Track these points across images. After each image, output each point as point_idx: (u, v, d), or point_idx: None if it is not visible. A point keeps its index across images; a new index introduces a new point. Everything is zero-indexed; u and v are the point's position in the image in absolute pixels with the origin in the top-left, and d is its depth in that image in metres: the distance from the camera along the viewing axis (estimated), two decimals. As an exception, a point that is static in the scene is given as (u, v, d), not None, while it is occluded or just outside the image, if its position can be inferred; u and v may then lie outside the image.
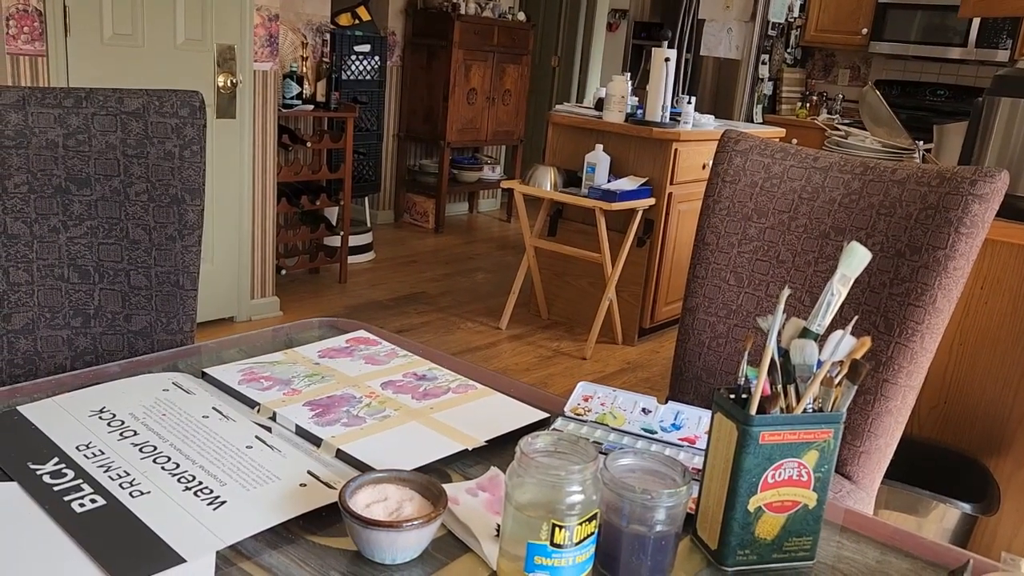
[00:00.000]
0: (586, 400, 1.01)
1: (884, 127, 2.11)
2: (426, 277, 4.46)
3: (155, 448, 0.84)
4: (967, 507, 1.57)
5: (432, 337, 3.57)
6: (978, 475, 1.73)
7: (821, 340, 0.73)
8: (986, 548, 1.71)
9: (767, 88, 5.66)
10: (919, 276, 1.38)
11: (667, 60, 3.45)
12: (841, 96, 5.83)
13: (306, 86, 3.83)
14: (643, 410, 1.00)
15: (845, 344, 0.71)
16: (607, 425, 0.96)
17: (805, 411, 0.72)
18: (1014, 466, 1.72)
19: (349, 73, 4.54)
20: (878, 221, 1.46)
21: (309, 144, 3.84)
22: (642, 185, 3.52)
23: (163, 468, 0.80)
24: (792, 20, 5.67)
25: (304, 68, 3.88)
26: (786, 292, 0.72)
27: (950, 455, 1.79)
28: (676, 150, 3.52)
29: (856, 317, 0.73)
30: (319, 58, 4.09)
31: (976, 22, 5.10)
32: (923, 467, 1.78)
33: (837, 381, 0.72)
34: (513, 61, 5.83)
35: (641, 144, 3.58)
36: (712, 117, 4.01)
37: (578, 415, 0.98)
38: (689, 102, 3.70)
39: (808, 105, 5.81)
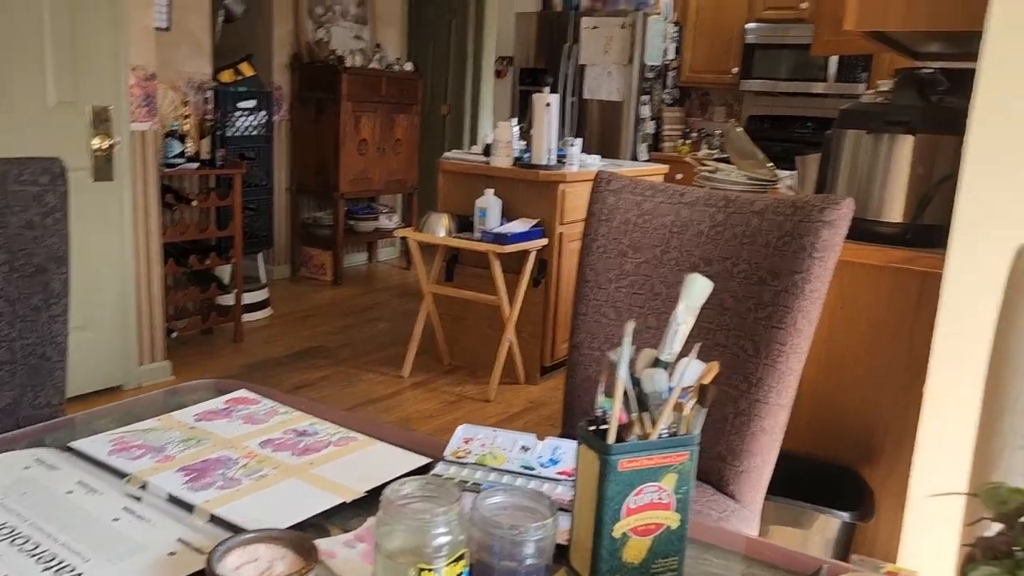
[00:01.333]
0: (467, 442, 1.03)
1: (749, 160, 2.24)
2: (325, 330, 4.40)
3: (13, 529, 0.80)
4: (845, 516, 1.66)
5: (332, 391, 3.52)
6: (855, 484, 1.82)
7: (672, 368, 0.77)
8: (868, 552, 1.80)
9: (650, 127, 5.89)
10: (781, 300, 1.47)
11: (548, 105, 3.56)
12: (719, 132, 6.12)
13: (189, 144, 3.76)
14: (522, 448, 1.02)
15: (692, 370, 0.76)
16: (487, 466, 0.98)
17: (661, 436, 0.76)
18: (885, 473, 1.82)
19: (235, 129, 4.49)
20: (742, 250, 1.55)
21: (195, 203, 3.76)
22: (534, 226, 3.60)
23: (20, 549, 0.77)
24: (668, 62, 5.95)
25: (186, 126, 3.81)
26: (631, 325, 0.76)
27: (829, 467, 1.88)
28: (563, 191, 3.62)
29: (699, 344, 0.78)
30: (202, 115, 4.03)
31: (835, 59, 5.47)
32: (806, 480, 1.86)
33: (690, 406, 0.77)
34: (403, 111, 5.89)
35: (530, 187, 3.67)
36: (599, 157, 4.15)
37: (459, 458, 1.00)
38: (573, 144, 3.82)
39: (689, 142, 6.08)
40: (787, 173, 2.63)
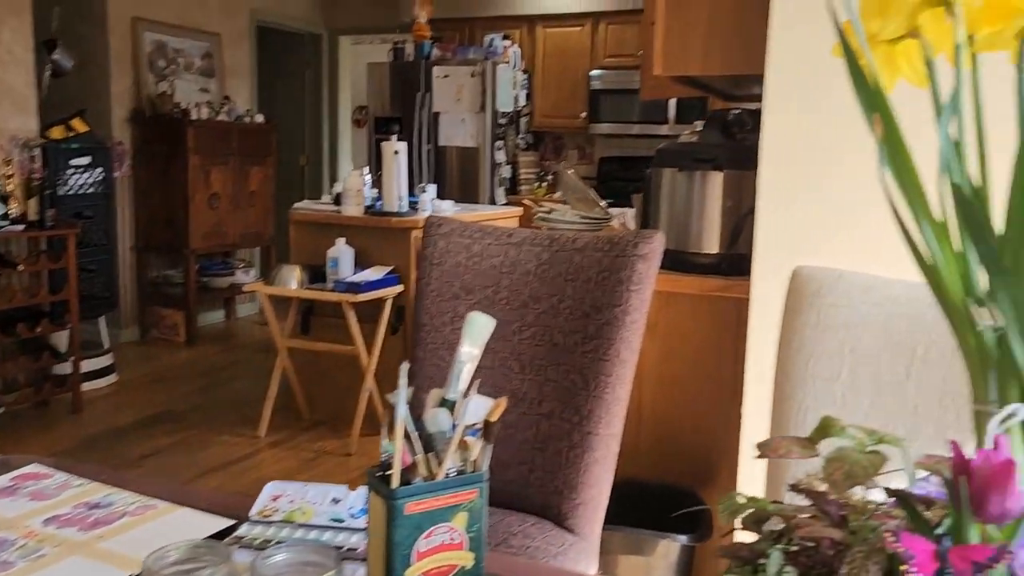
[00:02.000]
0: (275, 500, 1.00)
1: (583, 201, 2.32)
2: (177, 394, 4.19)
3: None
4: (683, 539, 1.71)
5: (182, 457, 3.34)
6: (696, 506, 1.89)
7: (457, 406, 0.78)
8: (710, 573, 1.86)
9: (506, 171, 6.01)
10: (604, 332, 1.52)
11: (396, 152, 3.58)
12: (572, 174, 6.32)
13: (13, 205, 3.54)
14: (333, 500, 1.00)
15: (476, 407, 0.77)
16: (295, 522, 0.95)
17: (448, 475, 0.76)
18: (721, 491, 1.90)
19: (68, 188, 4.26)
20: (567, 287, 1.59)
21: (21, 267, 3.53)
22: (388, 274, 3.58)
23: None
24: (520, 108, 6.11)
25: (10, 186, 3.58)
26: (405, 366, 0.76)
27: (673, 491, 1.94)
28: (416, 237, 3.63)
29: (478, 380, 0.79)
30: (28, 175, 3.80)
31: (673, 102, 5.78)
32: (652, 507, 1.91)
33: (477, 443, 0.77)
34: (256, 163, 5.77)
35: (383, 234, 3.66)
36: (452, 203, 4.19)
37: (266, 516, 0.96)
38: (425, 190, 3.85)
39: (545, 184, 6.25)
40: (627, 211, 2.74)
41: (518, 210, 4.58)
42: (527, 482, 1.55)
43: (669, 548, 1.74)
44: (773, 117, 1.45)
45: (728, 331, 1.84)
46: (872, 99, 0.67)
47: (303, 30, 6.87)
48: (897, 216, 0.66)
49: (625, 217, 2.44)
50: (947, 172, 0.63)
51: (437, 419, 0.75)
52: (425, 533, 0.75)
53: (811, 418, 1.00)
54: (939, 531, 0.52)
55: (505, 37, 5.89)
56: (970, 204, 0.60)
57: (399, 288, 3.59)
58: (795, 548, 0.60)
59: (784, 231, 1.46)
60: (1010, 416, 0.60)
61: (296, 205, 3.97)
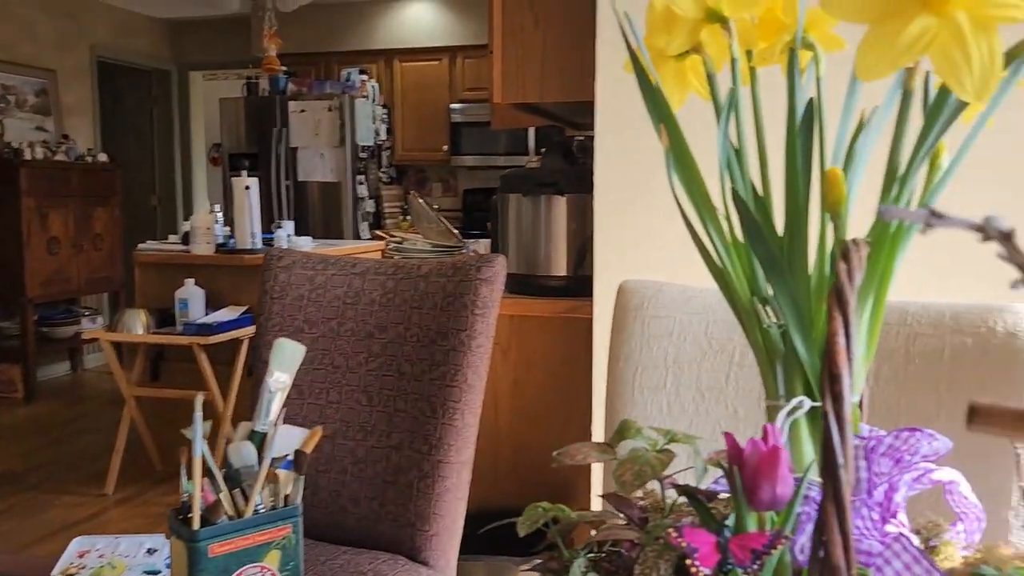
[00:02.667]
0: (81, 556, 0.92)
1: (433, 229, 2.31)
2: (14, 454, 3.86)
3: None
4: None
5: (15, 524, 3.06)
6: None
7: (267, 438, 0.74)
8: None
9: (369, 206, 5.96)
10: (451, 359, 1.50)
11: (247, 188, 3.47)
12: (436, 207, 6.32)
13: None
14: (148, 551, 0.93)
15: (286, 439, 0.73)
16: (104, 578, 0.88)
17: (256, 512, 0.72)
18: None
19: None
20: (412, 314, 1.57)
21: None
22: (243, 314, 3.45)
23: None
24: (381, 142, 6.08)
25: None
26: (200, 398, 0.72)
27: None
28: (272, 274, 3.52)
29: (284, 409, 0.75)
30: None
31: (532, 133, 5.91)
32: (514, 533, 1.90)
33: (289, 476, 0.74)
34: (100, 204, 5.45)
35: (236, 273, 3.52)
36: (310, 239, 4.10)
37: (70, 575, 0.88)
38: (281, 226, 3.75)
39: (409, 218, 6.22)
40: (482, 241, 2.76)
41: (380, 244, 4.53)
42: (378, 517, 1.51)
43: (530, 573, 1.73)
44: (604, 141, 1.50)
45: (579, 351, 1.87)
46: (659, 110, 0.69)
47: (149, 66, 6.59)
48: (687, 221, 0.68)
49: (480, 247, 2.45)
50: (727, 178, 0.65)
51: (242, 453, 0.71)
52: (234, 575, 0.70)
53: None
54: (727, 524, 0.53)
55: (362, 71, 5.87)
56: (748, 209, 0.62)
57: (255, 328, 3.46)
58: (603, 555, 0.60)
59: (619, 250, 1.50)
60: (796, 408, 0.62)
61: (141, 246, 3.77)
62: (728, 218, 0.67)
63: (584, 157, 2.02)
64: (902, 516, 0.61)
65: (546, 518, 0.58)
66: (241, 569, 0.70)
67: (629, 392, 1.05)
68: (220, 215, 3.79)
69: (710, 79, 0.71)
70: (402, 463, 1.51)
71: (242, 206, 3.49)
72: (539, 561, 0.62)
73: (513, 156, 5.98)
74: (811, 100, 0.63)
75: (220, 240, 3.63)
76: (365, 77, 5.85)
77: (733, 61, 0.69)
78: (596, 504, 1.69)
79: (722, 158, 0.66)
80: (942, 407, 0.87)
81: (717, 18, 0.70)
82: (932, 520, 0.65)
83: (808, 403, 0.62)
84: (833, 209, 0.56)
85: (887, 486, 0.62)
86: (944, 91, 0.56)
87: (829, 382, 0.42)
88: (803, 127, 0.62)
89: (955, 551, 0.62)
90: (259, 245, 3.56)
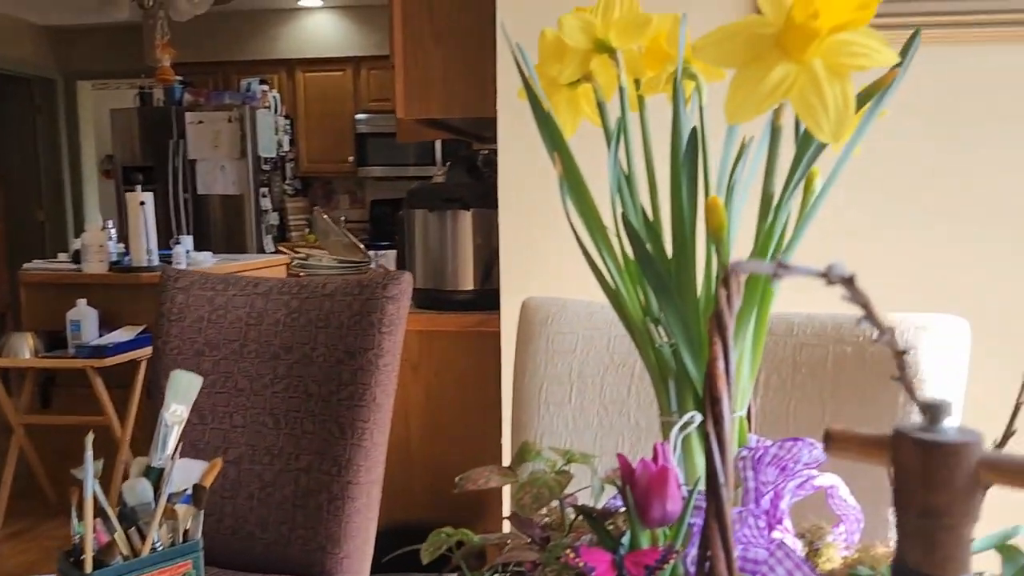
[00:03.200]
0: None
1: (341, 243, 2.29)
2: None
3: None
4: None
5: None
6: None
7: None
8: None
9: (274, 219, 5.83)
10: (359, 378, 1.49)
11: (142, 203, 3.35)
12: (344, 219, 6.25)
13: None
14: (40, 594, 0.89)
15: (183, 472, 0.72)
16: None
17: (155, 550, 0.70)
18: (495, 527, 1.93)
19: None
20: (318, 334, 1.55)
21: None
22: (140, 334, 3.32)
23: None
24: (284, 154, 5.97)
25: None
26: (90, 437, 0.70)
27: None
28: (171, 292, 3.40)
29: (181, 443, 0.74)
30: None
31: (439, 144, 5.91)
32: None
33: (187, 512, 0.72)
34: (-19, 220, 5.15)
35: (132, 292, 3.39)
36: (210, 254, 3.98)
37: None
38: (180, 242, 3.63)
39: (316, 231, 6.12)
40: (389, 253, 2.74)
41: (285, 258, 4.45)
42: (288, 541, 1.48)
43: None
44: (507, 157, 1.52)
45: (489, 365, 1.88)
46: (552, 138, 0.71)
47: (30, 74, 6.27)
48: (581, 245, 0.70)
49: (387, 259, 2.44)
50: (619, 202, 0.68)
51: (136, 490, 0.69)
52: (132, 617, 0.68)
53: (546, 443, 1.04)
54: (622, 541, 0.55)
55: (263, 82, 5.75)
56: (637, 233, 0.65)
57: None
58: None
59: (524, 265, 1.52)
60: (688, 423, 0.65)
61: (27, 265, 3.58)
62: (620, 241, 0.70)
63: (489, 171, 2.04)
64: (787, 522, 0.65)
65: (449, 543, 0.58)
66: (139, 610, 0.68)
67: (535, 407, 1.07)
68: (113, 231, 3.64)
69: (600, 107, 0.73)
70: (311, 485, 1.49)
71: (137, 222, 3.36)
72: (445, 585, 0.62)
73: (421, 167, 5.97)
74: (694, 129, 0.66)
75: (114, 258, 3.49)
76: (266, 87, 5.73)
77: (621, 90, 0.71)
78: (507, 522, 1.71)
79: (612, 183, 0.68)
80: (826, 413, 0.92)
81: (606, 48, 0.73)
82: (816, 524, 0.69)
83: (699, 418, 0.65)
84: (715, 235, 0.59)
85: (773, 494, 0.65)
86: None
87: (710, 404, 0.45)
88: (687, 155, 0.65)
89: (836, 552, 0.66)
90: (156, 262, 3.44)
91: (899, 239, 1.44)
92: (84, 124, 6.62)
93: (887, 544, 0.67)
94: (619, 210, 0.68)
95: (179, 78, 5.34)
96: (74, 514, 0.68)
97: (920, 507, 0.30)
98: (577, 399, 1.05)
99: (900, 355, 0.31)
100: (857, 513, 0.69)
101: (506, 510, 1.73)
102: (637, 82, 0.74)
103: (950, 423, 0.30)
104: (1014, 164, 1.42)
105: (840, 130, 0.42)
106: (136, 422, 3.26)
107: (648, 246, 0.65)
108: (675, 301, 0.65)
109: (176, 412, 0.73)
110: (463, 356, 1.94)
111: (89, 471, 0.66)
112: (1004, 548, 0.52)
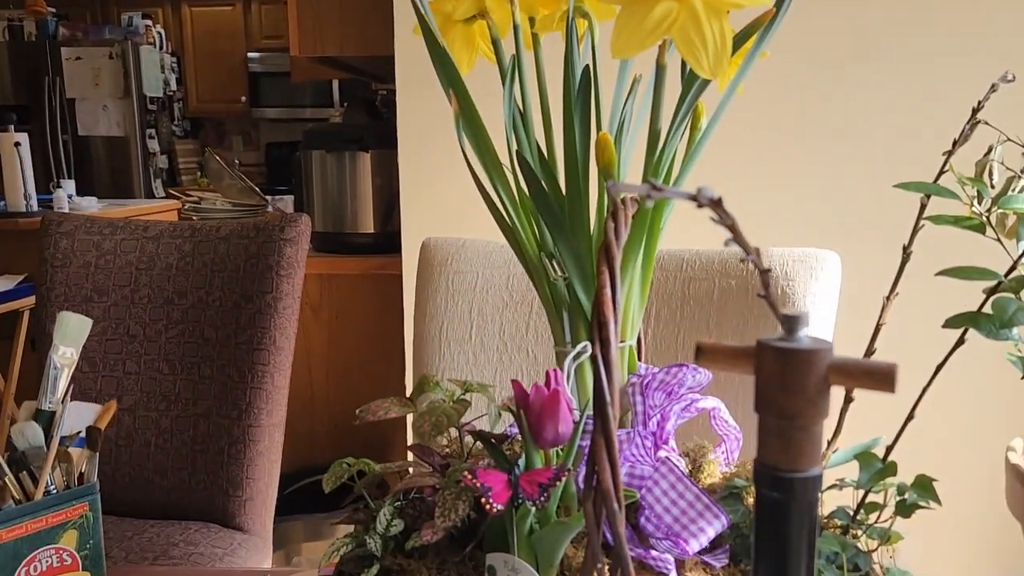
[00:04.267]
0: None
1: (236, 187, 2.22)
2: None
3: None
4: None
5: None
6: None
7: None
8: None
9: (162, 161, 5.57)
10: (257, 321, 1.47)
11: (17, 144, 3.14)
12: (238, 162, 6.04)
13: None
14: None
15: (75, 416, 0.70)
16: None
17: (48, 493, 0.69)
18: (397, 464, 1.96)
19: None
20: (214, 278, 1.52)
21: None
22: (21, 282, 3.14)
23: None
24: (172, 93, 5.68)
25: None
26: (-27, 381, 0.67)
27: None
28: (53, 239, 3.23)
29: (72, 386, 0.72)
30: None
31: (336, 85, 5.74)
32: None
33: (82, 454, 0.71)
34: None
35: (9, 239, 3.20)
36: (95, 199, 3.78)
37: None
38: (60, 186, 3.43)
39: (207, 175, 5.89)
40: (286, 198, 2.68)
41: (175, 203, 4.26)
42: (188, 487, 1.47)
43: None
44: (406, 97, 1.50)
45: (390, 308, 1.89)
46: (448, 74, 0.72)
47: None
48: (477, 182, 0.72)
49: (284, 204, 2.38)
50: (512, 140, 0.69)
51: (26, 434, 0.67)
52: (26, 560, 0.67)
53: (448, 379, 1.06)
54: (517, 463, 0.58)
55: (145, 16, 5.42)
56: (531, 169, 0.67)
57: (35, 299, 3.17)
58: (406, 503, 0.63)
59: (423, 207, 1.52)
60: (580, 353, 0.68)
61: None
62: (516, 178, 0.71)
63: (389, 112, 2.01)
64: (673, 442, 0.69)
65: (350, 472, 0.60)
66: (34, 552, 0.67)
67: (436, 346, 1.08)
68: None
69: (495, 44, 0.74)
70: (210, 430, 1.47)
71: (12, 164, 3.16)
72: (347, 514, 0.64)
73: (318, 108, 5.80)
74: (587, 67, 0.67)
75: (-12, 203, 3.28)
76: (149, 22, 5.41)
77: (516, 27, 0.72)
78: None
79: (508, 120, 0.69)
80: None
81: (501, -15, 0.73)
82: (699, 443, 0.74)
83: (590, 348, 0.68)
84: (605, 171, 0.61)
85: (659, 416, 0.69)
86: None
87: (597, 329, 0.47)
88: (580, 92, 0.67)
89: (716, 468, 0.71)
90: (35, 208, 3.25)
91: (781, 175, 1.51)
92: (-55, 58, 6.09)
93: (762, 459, 0.73)
94: (514, 147, 0.69)
95: (52, 10, 4.98)
96: (-45, 460, 0.66)
97: (778, 409, 0.33)
98: (477, 336, 1.08)
99: (765, 273, 0.34)
100: (737, 433, 0.74)
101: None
102: (532, 20, 0.75)
103: (806, 334, 0.33)
104: (889, 102, 1.50)
105: (718, 66, 0.44)
106: (20, 375, 3.12)
107: (542, 183, 0.66)
108: (568, 236, 0.67)
109: (65, 354, 0.71)
110: (364, 299, 1.93)
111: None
112: (862, 456, 0.58)
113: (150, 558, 1.33)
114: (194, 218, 2.11)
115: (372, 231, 1.92)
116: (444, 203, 1.52)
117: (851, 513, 0.60)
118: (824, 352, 0.32)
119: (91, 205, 3.60)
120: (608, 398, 0.47)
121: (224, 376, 1.48)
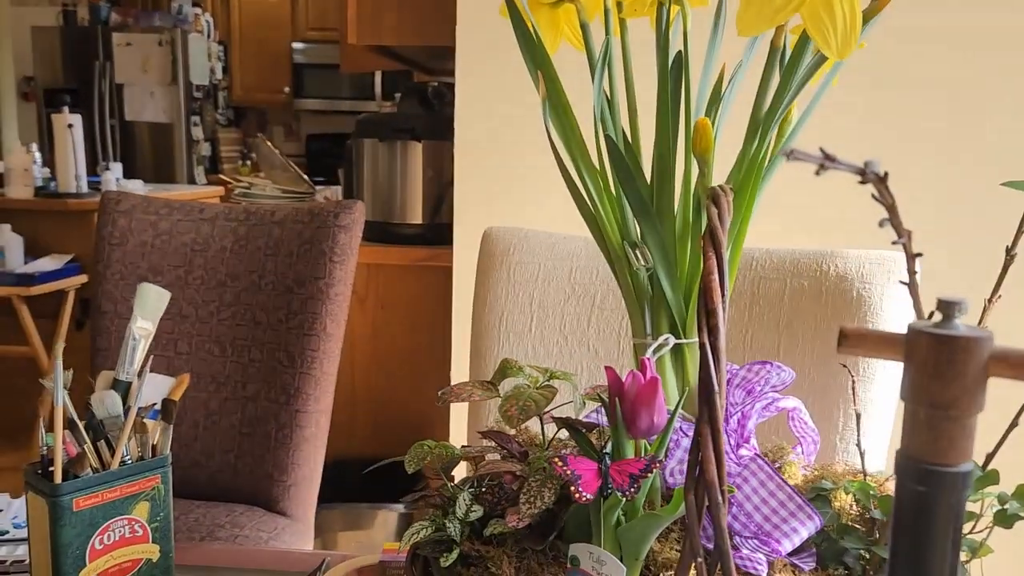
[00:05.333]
0: (-90, 522, 0.85)
1: (285, 174, 2.23)
2: None
3: None
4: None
5: None
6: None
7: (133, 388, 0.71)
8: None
9: (205, 149, 5.64)
10: (308, 307, 1.47)
11: (70, 126, 3.19)
12: (280, 151, 6.07)
13: None
14: (-10, 513, 0.87)
15: (152, 387, 0.70)
16: (-61, 544, 0.81)
17: (124, 463, 0.69)
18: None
19: None
20: (267, 262, 1.52)
21: None
22: (69, 263, 3.20)
23: None
24: (217, 82, 5.74)
25: None
26: (60, 345, 0.68)
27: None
28: (100, 220, 3.27)
29: (152, 356, 0.72)
30: None
31: (379, 78, 5.76)
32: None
33: (157, 426, 0.71)
34: None
35: (59, 218, 3.25)
36: (141, 183, 3.83)
37: (-102, 543, 0.81)
38: (109, 168, 3.48)
39: (249, 163, 5.95)
40: (335, 189, 2.69)
41: (218, 189, 4.32)
42: (235, 470, 1.47)
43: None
44: (465, 86, 1.50)
45: (436, 300, 1.88)
46: (536, 57, 0.70)
47: (-58, -15, 5.84)
48: (562, 167, 0.70)
49: (329, 192, 2.39)
50: (601, 125, 0.68)
51: (106, 403, 0.67)
52: (100, 529, 0.67)
53: (506, 370, 1.05)
54: (605, 452, 0.56)
55: (195, 4, 5.49)
56: (620, 155, 0.65)
57: (82, 278, 3.22)
58: (484, 489, 0.62)
59: (480, 199, 1.52)
60: (662, 345, 0.67)
61: (-57, 188, 3.39)
62: (601, 165, 0.70)
63: (440, 104, 2.01)
64: (754, 441, 0.68)
65: (432, 454, 0.59)
66: (108, 522, 0.68)
67: (495, 336, 1.07)
68: (38, 155, 3.47)
69: (583, 28, 0.73)
70: (258, 414, 1.48)
71: (65, 146, 3.21)
72: (419, 497, 0.63)
73: (359, 101, 5.83)
74: (679, 52, 0.66)
75: (39, 183, 3.33)
76: (199, 11, 5.48)
77: (606, 11, 0.71)
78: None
79: (597, 106, 0.68)
80: (781, 343, 0.95)
81: (591, -32, 0.72)
82: (777, 444, 0.72)
83: (673, 340, 0.66)
84: (702, 156, 0.59)
85: (740, 415, 0.68)
86: (798, 52, 0.60)
87: (706, 316, 0.46)
88: (672, 78, 0.65)
89: (796, 469, 0.69)
90: (85, 189, 3.30)
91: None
92: (2, 44, 6.22)
93: (844, 464, 0.71)
94: (601, 133, 0.68)
95: (105, -5, 5.07)
96: (42, 426, 0.66)
97: (930, 398, 0.31)
98: (537, 329, 1.06)
99: (913, 258, 0.32)
100: (815, 435, 0.72)
101: (463, 437, 1.75)
102: (620, 5, 0.74)
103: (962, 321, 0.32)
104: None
105: (846, 46, 0.43)
106: (64, 354, 3.16)
107: (631, 169, 0.65)
108: (655, 224, 0.66)
109: (143, 326, 0.71)
110: (410, 290, 1.93)
111: (59, 382, 0.65)
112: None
113: (196, 538, 1.34)
114: (243, 203, 2.13)
115: (420, 222, 1.92)
116: (500, 195, 1.52)
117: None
118: (984, 340, 0.31)
119: (138, 188, 3.65)
120: (716, 387, 0.45)
121: (274, 360, 1.49)
